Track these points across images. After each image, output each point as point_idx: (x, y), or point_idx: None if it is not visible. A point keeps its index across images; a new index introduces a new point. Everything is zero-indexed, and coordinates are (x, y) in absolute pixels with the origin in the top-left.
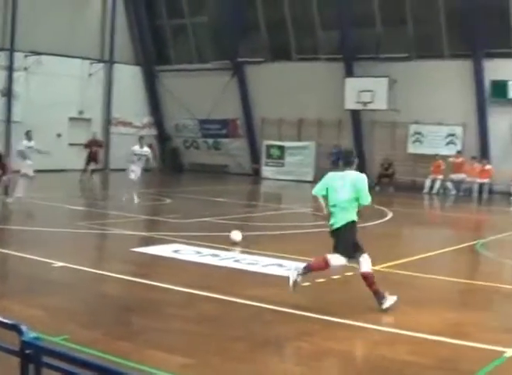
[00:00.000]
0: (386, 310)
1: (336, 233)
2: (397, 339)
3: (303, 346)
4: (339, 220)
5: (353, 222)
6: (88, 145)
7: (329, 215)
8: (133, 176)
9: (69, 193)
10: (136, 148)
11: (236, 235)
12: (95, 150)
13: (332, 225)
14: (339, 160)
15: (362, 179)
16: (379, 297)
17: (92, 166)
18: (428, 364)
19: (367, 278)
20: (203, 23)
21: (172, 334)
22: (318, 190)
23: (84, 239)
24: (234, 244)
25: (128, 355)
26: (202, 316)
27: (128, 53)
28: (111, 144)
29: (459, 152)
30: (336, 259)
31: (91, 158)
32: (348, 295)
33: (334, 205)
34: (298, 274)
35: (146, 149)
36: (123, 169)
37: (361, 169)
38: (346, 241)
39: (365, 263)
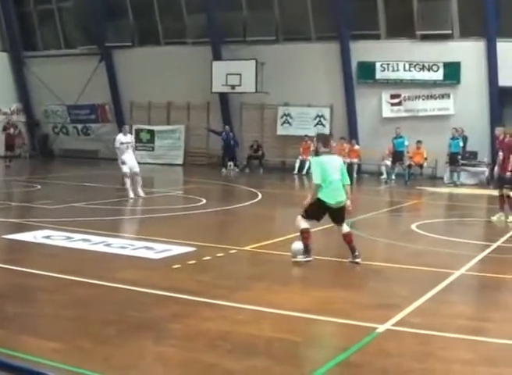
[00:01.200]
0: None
1: (342, 208)
2: (265, 317)
3: (176, 328)
4: (342, 197)
5: None
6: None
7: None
8: (125, 168)
9: None
10: (121, 136)
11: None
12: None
13: (340, 202)
14: (230, 142)
15: (343, 163)
16: (354, 252)
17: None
18: (298, 341)
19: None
20: (69, 8)
21: (44, 320)
22: (318, 179)
23: None
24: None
25: (1, 341)
26: (74, 301)
27: None
28: None
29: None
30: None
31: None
32: (217, 276)
33: (332, 184)
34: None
35: (130, 136)
36: None
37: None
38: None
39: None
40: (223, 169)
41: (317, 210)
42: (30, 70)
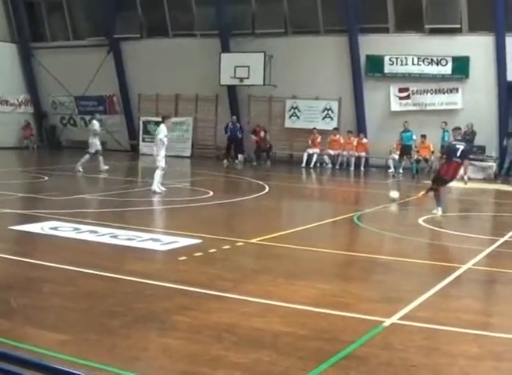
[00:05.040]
0: None
1: None
2: (271, 310)
3: (182, 320)
4: None
5: None
6: None
7: None
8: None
9: None
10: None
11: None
12: None
13: None
14: (236, 133)
15: None
16: None
17: None
18: (304, 334)
19: None
20: (78, 0)
21: (51, 312)
22: None
23: None
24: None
25: (6, 332)
26: (81, 293)
27: (2, 31)
28: None
29: (336, 129)
30: None
31: None
32: (223, 268)
33: None
34: None
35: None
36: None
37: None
38: None
39: None
40: (224, 161)
41: None
42: (38, 61)
